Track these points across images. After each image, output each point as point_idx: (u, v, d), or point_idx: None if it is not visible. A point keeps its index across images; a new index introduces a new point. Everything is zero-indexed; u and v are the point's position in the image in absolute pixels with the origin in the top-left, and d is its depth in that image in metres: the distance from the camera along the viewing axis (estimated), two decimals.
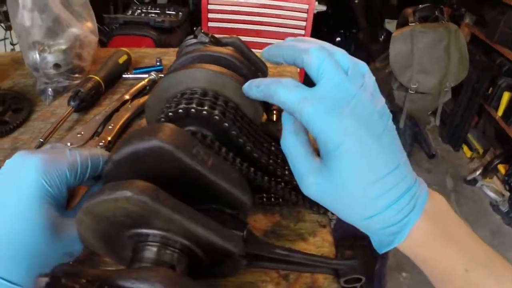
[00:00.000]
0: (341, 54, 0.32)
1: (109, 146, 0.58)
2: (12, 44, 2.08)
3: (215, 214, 0.33)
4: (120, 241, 0.31)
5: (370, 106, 0.31)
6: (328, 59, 0.31)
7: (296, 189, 0.46)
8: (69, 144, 0.58)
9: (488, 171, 2.21)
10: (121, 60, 0.81)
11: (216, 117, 0.38)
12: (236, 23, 2.25)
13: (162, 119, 0.39)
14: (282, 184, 0.46)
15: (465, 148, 2.53)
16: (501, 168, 2.18)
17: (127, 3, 3.07)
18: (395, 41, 1.72)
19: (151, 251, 0.29)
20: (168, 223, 0.27)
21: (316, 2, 2.15)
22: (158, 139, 0.29)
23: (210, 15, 2.24)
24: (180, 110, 0.38)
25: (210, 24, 2.27)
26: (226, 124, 0.39)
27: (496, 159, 2.20)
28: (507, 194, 2.08)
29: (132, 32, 1.92)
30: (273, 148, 0.46)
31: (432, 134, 2.63)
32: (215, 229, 0.29)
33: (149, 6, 2.26)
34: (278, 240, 0.47)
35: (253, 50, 0.60)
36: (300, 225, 0.49)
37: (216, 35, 0.56)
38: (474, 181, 2.28)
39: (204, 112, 0.38)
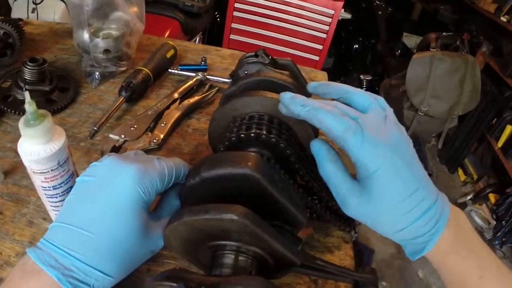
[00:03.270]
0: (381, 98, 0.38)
1: (161, 144, 0.64)
2: (34, 3, 2.04)
3: (279, 229, 0.39)
4: (200, 247, 0.37)
5: (399, 135, 0.36)
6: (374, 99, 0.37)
7: (329, 208, 0.53)
8: (122, 136, 0.63)
9: (479, 198, 2.29)
10: (168, 55, 0.85)
11: (282, 145, 0.44)
12: (260, 16, 2.28)
13: (233, 138, 0.45)
14: (317, 202, 0.53)
15: (460, 171, 2.60)
16: (492, 197, 2.24)
17: None
18: (414, 64, 1.77)
19: (230, 258, 0.35)
20: (256, 239, 0.33)
21: (342, 10, 2.18)
22: (249, 168, 0.35)
23: (237, 5, 2.26)
24: (252, 134, 0.44)
25: (235, 13, 2.29)
26: (289, 152, 0.44)
27: (488, 187, 2.27)
28: (493, 222, 2.16)
29: (161, 12, 1.90)
30: (317, 172, 0.52)
31: (430, 152, 2.71)
32: (287, 246, 0.35)
33: None
34: (311, 250, 0.54)
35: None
36: (328, 239, 0.56)
37: (272, 56, 0.61)
38: (463, 205, 2.35)
39: (273, 139, 0.44)
